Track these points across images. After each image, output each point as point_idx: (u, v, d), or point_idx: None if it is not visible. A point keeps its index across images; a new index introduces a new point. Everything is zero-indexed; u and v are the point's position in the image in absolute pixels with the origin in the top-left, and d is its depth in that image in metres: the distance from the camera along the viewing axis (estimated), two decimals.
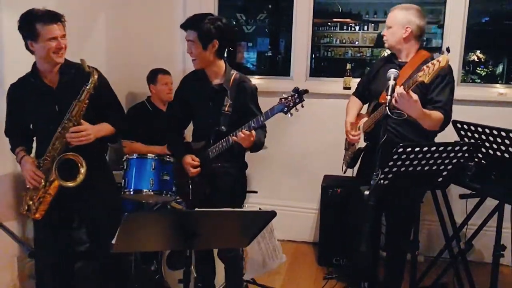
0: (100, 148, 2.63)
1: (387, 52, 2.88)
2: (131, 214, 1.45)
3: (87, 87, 2.36)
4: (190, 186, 2.67)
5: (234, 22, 5.73)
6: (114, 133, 2.58)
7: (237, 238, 1.78)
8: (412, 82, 2.30)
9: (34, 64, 2.44)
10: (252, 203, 4.03)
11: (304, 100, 2.25)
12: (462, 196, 2.74)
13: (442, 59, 2.18)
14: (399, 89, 2.26)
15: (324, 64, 7.34)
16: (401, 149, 2.11)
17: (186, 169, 2.60)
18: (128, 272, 2.92)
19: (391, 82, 2.15)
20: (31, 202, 2.44)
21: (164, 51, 4.04)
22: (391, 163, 2.14)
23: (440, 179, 2.33)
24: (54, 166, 2.33)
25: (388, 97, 2.11)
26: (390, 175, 2.18)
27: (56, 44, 2.30)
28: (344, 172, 3.12)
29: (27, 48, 2.37)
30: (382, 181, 2.10)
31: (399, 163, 2.15)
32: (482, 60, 6.13)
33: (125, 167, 3.04)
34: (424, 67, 2.24)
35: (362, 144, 2.90)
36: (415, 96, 2.28)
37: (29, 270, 2.98)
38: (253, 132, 2.35)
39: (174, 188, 3.10)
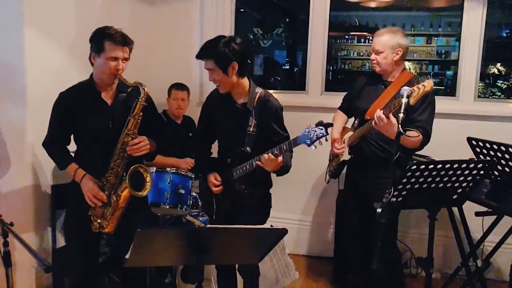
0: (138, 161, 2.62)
1: None
2: (144, 230, 1.48)
3: (139, 100, 2.41)
4: (214, 204, 2.70)
5: (251, 37, 5.77)
6: (155, 149, 2.60)
7: (248, 255, 1.78)
8: (393, 106, 2.42)
9: (92, 77, 2.50)
10: None
11: (328, 134, 2.22)
12: (477, 214, 2.70)
13: (427, 84, 2.30)
14: (379, 113, 2.41)
15: (341, 77, 7.35)
16: (414, 167, 2.10)
17: (210, 187, 2.63)
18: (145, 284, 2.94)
19: (404, 100, 2.16)
20: (99, 220, 2.47)
21: (181, 65, 4.10)
22: (404, 180, 2.13)
23: (455, 196, 2.31)
24: (128, 178, 2.35)
25: (401, 115, 2.10)
26: (404, 192, 2.17)
27: (115, 65, 2.38)
28: (327, 182, 3.18)
29: (90, 59, 2.45)
30: (394, 198, 2.09)
31: (413, 180, 2.14)
32: (503, 73, 6.04)
33: None
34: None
35: (346, 156, 3.02)
36: (394, 120, 2.39)
37: (47, 281, 3.04)
38: (279, 158, 2.33)
39: (189, 202, 3.14)
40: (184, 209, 3.11)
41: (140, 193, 2.40)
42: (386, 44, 2.75)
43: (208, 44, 2.46)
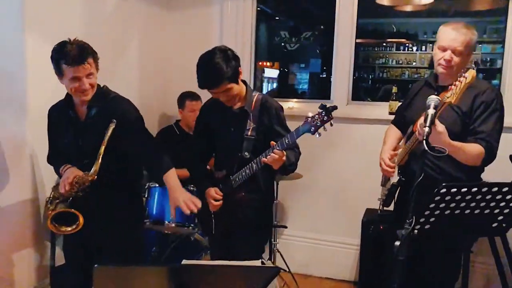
0: (130, 181, 2.47)
1: None
2: (100, 266, 1.25)
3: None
4: (213, 219, 2.50)
5: (278, 39, 5.60)
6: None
7: None
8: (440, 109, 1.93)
9: (68, 93, 2.35)
10: (286, 235, 3.79)
11: (332, 118, 2.00)
12: None
13: (469, 74, 1.85)
14: (421, 119, 1.93)
15: (379, 86, 7.07)
16: (444, 190, 1.78)
17: (208, 202, 2.42)
18: None
19: (431, 111, 1.80)
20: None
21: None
22: (432, 205, 1.81)
23: (495, 224, 1.96)
24: (50, 219, 2.24)
25: (426, 129, 1.76)
26: (432, 219, 1.84)
27: (79, 84, 2.19)
28: (380, 212, 2.77)
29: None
30: (419, 226, 1.76)
31: (443, 205, 1.82)
32: None
33: (146, 196, 2.93)
34: (452, 85, 1.89)
35: (396, 178, 2.53)
36: (440, 127, 1.93)
37: None
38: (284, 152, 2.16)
39: (197, 220, 2.94)
40: (191, 227, 2.92)
41: (57, 225, 2.26)
42: (469, 44, 2.18)
43: (213, 73, 2.24)
